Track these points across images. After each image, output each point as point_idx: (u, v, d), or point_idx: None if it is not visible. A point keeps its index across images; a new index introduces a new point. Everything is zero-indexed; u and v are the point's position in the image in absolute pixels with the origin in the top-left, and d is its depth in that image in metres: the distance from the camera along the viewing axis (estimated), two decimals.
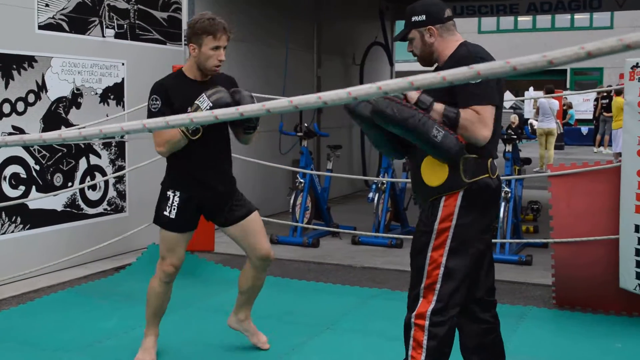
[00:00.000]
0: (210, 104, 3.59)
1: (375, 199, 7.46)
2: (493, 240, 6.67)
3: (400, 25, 14.27)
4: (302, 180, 7.48)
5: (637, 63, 4.48)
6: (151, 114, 3.76)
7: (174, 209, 3.90)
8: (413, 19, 3.14)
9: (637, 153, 4.53)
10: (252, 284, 4.17)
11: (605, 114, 19.86)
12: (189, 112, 3.64)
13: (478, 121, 2.91)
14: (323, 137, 9.01)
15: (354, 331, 4.65)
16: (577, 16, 26.97)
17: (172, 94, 3.76)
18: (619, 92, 9.57)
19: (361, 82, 11.51)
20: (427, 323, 2.99)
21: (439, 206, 3.00)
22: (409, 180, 8.34)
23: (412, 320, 3.03)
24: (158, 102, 3.75)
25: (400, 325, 4.74)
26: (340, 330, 4.68)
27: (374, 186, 7.61)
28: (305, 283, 5.90)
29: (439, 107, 2.96)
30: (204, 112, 1.46)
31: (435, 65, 3.22)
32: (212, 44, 3.71)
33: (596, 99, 20.68)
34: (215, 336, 4.56)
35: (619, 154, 5.99)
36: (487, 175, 3.01)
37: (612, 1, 11.11)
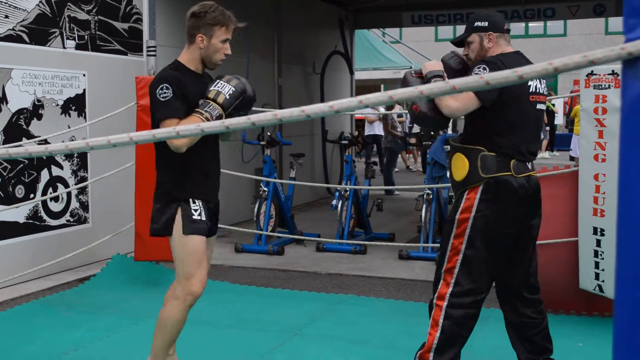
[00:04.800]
0: (232, 88, 3.41)
1: (339, 206, 7.53)
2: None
3: (360, 34, 14.43)
4: (266, 189, 7.52)
5: (592, 71, 4.63)
6: (162, 104, 3.36)
7: (203, 210, 3.51)
8: (476, 24, 3.43)
9: (594, 158, 4.68)
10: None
11: None
12: (206, 98, 3.40)
13: (450, 95, 3.18)
14: (285, 146, 9.06)
15: (322, 337, 4.70)
16: (531, 24, 27.48)
17: (182, 84, 3.42)
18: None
19: (322, 91, 11.59)
20: (445, 304, 3.29)
21: (462, 198, 3.31)
22: (372, 187, 8.45)
23: (434, 301, 3.34)
24: (169, 91, 3.35)
25: (367, 329, 4.85)
26: (308, 337, 4.73)
27: (337, 193, 7.69)
28: (272, 290, 5.94)
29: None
30: (215, 121, 1.47)
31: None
32: (223, 36, 3.50)
33: None
34: (183, 346, 4.57)
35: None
36: (509, 173, 3.27)
37: (565, 10, 11.39)
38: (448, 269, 3.31)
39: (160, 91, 3.37)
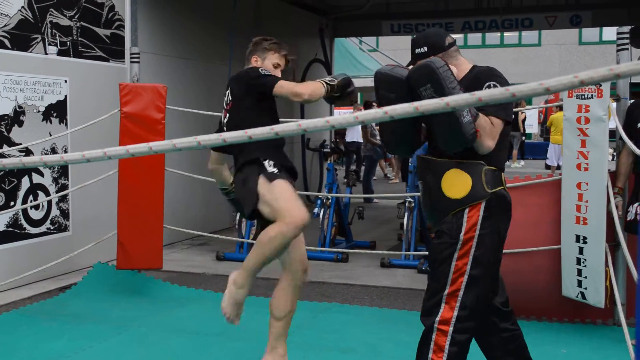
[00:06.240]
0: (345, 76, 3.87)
1: (321, 214, 7.53)
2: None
3: (337, 42, 14.48)
4: None
5: None
6: (269, 75, 3.81)
7: (277, 167, 3.75)
8: (417, 50, 3.26)
9: (577, 167, 4.74)
10: (292, 306, 3.99)
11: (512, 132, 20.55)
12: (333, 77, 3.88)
13: (489, 131, 3.03)
14: None
15: (307, 345, 4.69)
16: (506, 34, 27.78)
17: None
18: (561, 108, 10.00)
19: None
20: (451, 329, 3.10)
21: (463, 217, 3.11)
22: (353, 195, 8.43)
23: (436, 325, 3.12)
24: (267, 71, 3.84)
25: (353, 337, 4.84)
26: (293, 345, 4.70)
27: (319, 201, 7.69)
28: (255, 299, 5.91)
29: None
30: (238, 132, 1.52)
31: None
32: (275, 60, 3.98)
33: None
34: (167, 354, 4.54)
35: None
36: (502, 187, 3.16)
37: (543, 20, 11.54)
38: (451, 292, 3.11)
39: (260, 72, 3.81)
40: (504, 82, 3.13)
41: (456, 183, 3.12)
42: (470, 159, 3.10)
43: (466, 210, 3.11)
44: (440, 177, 3.16)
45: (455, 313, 3.11)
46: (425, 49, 3.22)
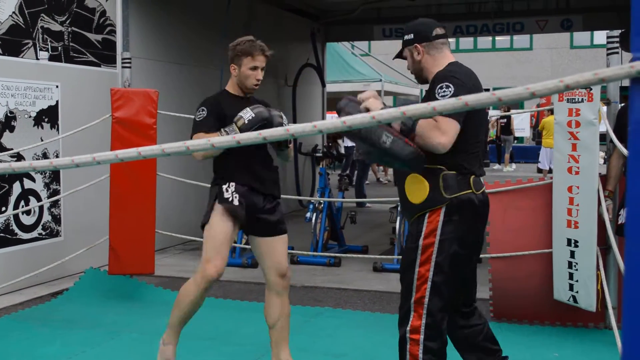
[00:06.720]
0: (253, 115, 3.74)
1: (313, 218, 7.54)
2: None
3: (330, 47, 14.51)
4: None
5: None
6: (196, 124, 3.92)
7: (235, 196, 3.87)
8: (405, 37, 3.29)
9: (568, 170, 4.76)
10: (282, 311, 4.05)
11: (502, 135, 20.47)
12: (234, 121, 3.78)
13: (434, 127, 2.94)
14: None
15: (300, 350, 4.68)
16: (498, 38, 27.86)
17: (217, 105, 3.94)
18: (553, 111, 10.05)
19: (294, 103, 11.61)
20: (421, 337, 3.09)
21: (424, 222, 3.10)
22: (345, 200, 8.42)
23: (407, 335, 3.11)
24: (204, 112, 3.90)
25: (345, 342, 4.85)
26: None
27: (311, 206, 7.69)
28: (248, 304, 5.92)
29: None
30: (225, 136, 1.55)
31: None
32: (251, 64, 3.93)
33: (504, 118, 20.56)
34: None
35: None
36: (469, 191, 3.10)
37: (534, 24, 11.58)
38: (418, 300, 3.10)
39: (197, 113, 3.93)
40: (456, 82, 3.05)
41: (415, 188, 3.12)
42: (430, 164, 3.07)
43: (426, 215, 3.11)
44: (404, 181, 3.18)
45: (424, 321, 3.09)
46: (412, 36, 3.25)
